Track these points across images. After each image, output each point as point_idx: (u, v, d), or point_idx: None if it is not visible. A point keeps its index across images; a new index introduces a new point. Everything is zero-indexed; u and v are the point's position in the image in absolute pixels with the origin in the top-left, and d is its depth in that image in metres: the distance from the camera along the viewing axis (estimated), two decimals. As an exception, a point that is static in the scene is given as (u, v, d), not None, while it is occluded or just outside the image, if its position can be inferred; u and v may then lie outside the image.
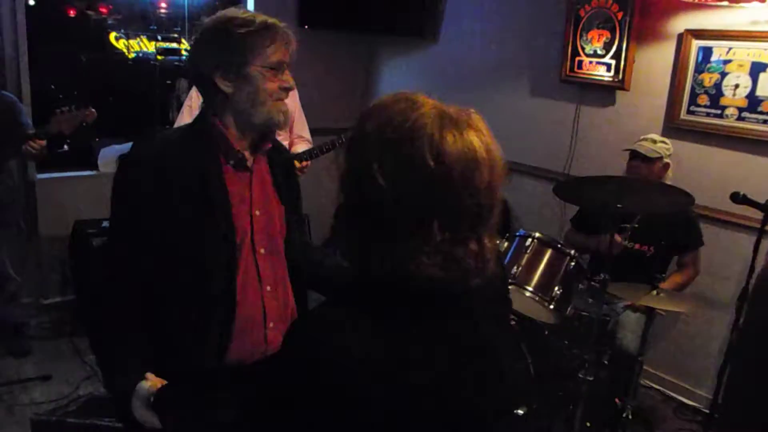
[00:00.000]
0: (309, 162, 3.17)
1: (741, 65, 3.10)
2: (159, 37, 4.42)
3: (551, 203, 3.49)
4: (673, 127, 3.36)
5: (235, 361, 1.52)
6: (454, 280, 0.91)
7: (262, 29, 1.43)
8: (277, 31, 1.45)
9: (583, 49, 3.65)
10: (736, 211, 3.05)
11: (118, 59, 4.37)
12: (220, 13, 1.48)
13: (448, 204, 0.89)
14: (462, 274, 0.92)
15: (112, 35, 4.34)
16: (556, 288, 2.64)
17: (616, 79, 3.54)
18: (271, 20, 1.46)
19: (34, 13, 3.86)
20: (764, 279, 1.88)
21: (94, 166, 4.22)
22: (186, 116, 3.07)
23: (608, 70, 3.56)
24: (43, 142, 2.95)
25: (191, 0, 4.49)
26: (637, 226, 3.02)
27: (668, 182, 2.94)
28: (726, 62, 3.15)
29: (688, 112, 3.31)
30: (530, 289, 2.62)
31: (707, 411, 3.16)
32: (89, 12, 4.27)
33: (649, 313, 2.70)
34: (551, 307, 2.61)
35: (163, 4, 4.46)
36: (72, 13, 4.24)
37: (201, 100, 3.16)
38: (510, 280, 2.63)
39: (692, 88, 3.28)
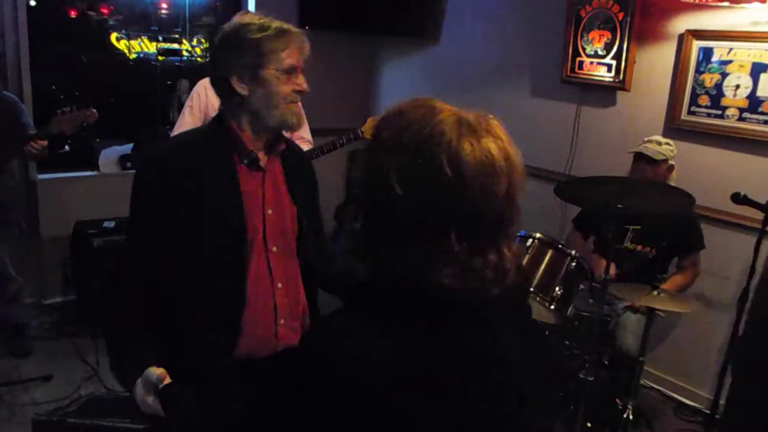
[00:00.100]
0: (310, 162, 3.18)
1: (742, 66, 3.10)
2: (160, 38, 4.43)
3: (552, 204, 3.49)
4: (674, 128, 3.36)
5: (245, 356, 1.55)
6: (471, 290, 0.89)
7: (277, 34, 1.49)
8: (292, 36, 1.51)
9: (583, 49, 3.66)
10: (736, 212, 3.05)
11: (119, 60, 4.37)
12: (238, 19, 1.55)
13: (466, 213, 0.87)
14: (480, 284, 0.89)
15: (113, 36, 4.34)
16: (557, 288, 2.64)
17: (616, 80, 3.54)
18: (286, 26, 1.52)
19: (35, 14, 3.86)
20: (765, 282, 1.89)
21: (95, 166, 4.22)
22: (187, 117, 3.07)
23: (609, 70, 3.56)
24: (45, 143, 2.96)
25: (192, 1, 4.50)
26: (639, 228, 3.03)
27: (672, 184, 2.94)
28: (727, 63, 3.15)
29: (689, 112, 3.31)
30: (531, 289, 2.62)
31: (708, 411, 3.16)
32: (90, 12, 4.27)
33: (650, 313, 2.70)
34: (552, 307, 2.60)
35: (164, 5, 4.47)
36: (73, 14, 4.24)
37: (202, 100, 3.20)
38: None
39: (693, 89, 3.28)
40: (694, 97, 3.28)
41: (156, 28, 4.43)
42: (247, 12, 3.66)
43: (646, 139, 3.03)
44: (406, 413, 0.87)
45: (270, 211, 1.59)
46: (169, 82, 4.48)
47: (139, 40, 4.40)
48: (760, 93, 3.05)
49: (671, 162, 2.98)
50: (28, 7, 3.77)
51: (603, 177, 2.85)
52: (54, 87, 4.26)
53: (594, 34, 3.59)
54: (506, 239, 0.92)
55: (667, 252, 3.09)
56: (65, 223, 3.94)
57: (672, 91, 3.38)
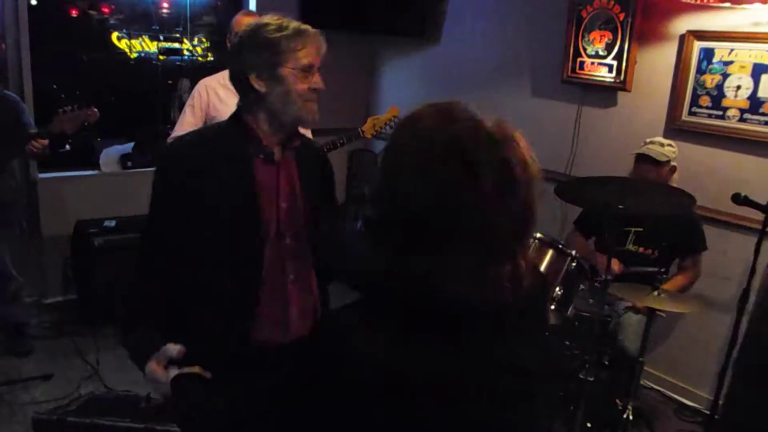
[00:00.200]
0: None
1: (743, 66, 3.10)
2: (161, 37, 4.43)
3: (552, 204, 3.48)
4: (675, 128, 3.36)
5: (258, 345, 1.60)
6: (485, 297, 0.88)
7: (295, 34, 1.54)
8: (309, 35, 1.57)
9: (584, 50, 3.65)
10: (737, 213, 3.05)
11: (120, 59, 4.37)
12: (257, 19, 1.60)
13: (482, 220, 0.86)
14: (493, 293, 0.89)
15: (114, 35, 4.35)
16: (557, 288, 2.64)
17: (617, 80, 3.54)
18: (303, 26, 1.57)
19: (36, 13, 3.86)
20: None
21: (96, 165, 4.23)
22: (188, 116, 3.07)
23: (610, 71, 3.56)
24: (46, 142, 2.96)
25: (193, 0, 4.50)
26: (641, 230, 3.02)
27: (674, 185, 2.94)
28: (728, 63, 3.14)
29: (690, 113, 3.31)
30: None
31: (708, 412, 3.16)
32: (91, 12, 4.28)
33: (650, 314, 2.70)
34: (552, 307, 2.60)
35: (165, 4, 4.47)
36: (74, 13, 4.24)
37: (203, 99, 3.20)
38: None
39: (694, 90, 3.28)
40: (695, 97, 3.28)
41: (157, 28, 4.43)
42: (249, 11, 3.66)
43: (648, 140, 3.03)
44: (414, 417, 0.86)
45: (284, 205, 1.64)
46: (170, 82, 4.48)
47: (140, 39, 4.40)
48: (761, 94, 3.05)
49: (673, 163, 2.98)
50: (29, 6, 3.77)
51: (604, 177, 2.84)
52: (55, 86, 4.26)
53: (595, 34, 3.59)
54: (522, 246, 0.91)
55: (668, 253, 3.09)
56: (66, 222, 3.95)
57: (673, 91, 3.38)
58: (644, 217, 3.02)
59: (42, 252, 3.96)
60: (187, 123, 3.07)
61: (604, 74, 3.59)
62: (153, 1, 4.42)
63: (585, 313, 2.82)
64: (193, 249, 1.57)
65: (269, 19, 1.57)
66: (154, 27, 4.42)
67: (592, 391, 2.61)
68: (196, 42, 4.61)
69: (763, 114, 3.06)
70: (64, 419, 2.44)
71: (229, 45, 3.07)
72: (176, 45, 4.49)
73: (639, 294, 2.67)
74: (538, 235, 2.72)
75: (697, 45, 3.24)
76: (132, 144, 4.37)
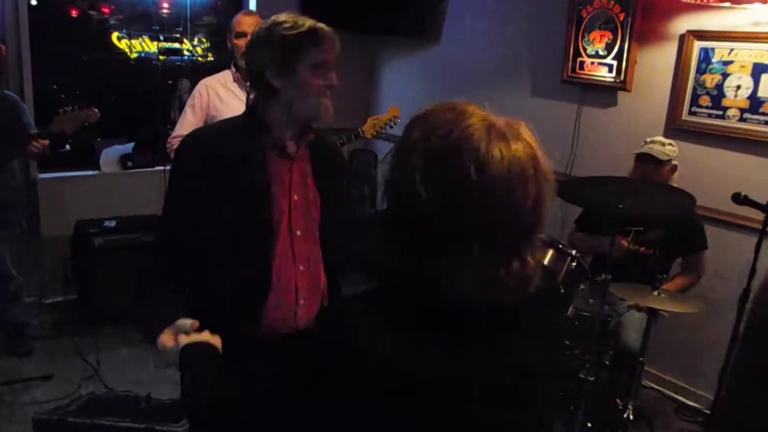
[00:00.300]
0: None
1: (743, 66, 3.10)
2: (161, 37, 4.42)
3: (552, 204, 3.47)
4: (675, 128, 3.36)
5: (267, 332, 1.65)
6: (491, 298, 0.88)
7: (310, 31, 1.60)
8: (324, 33, 1.62)
9: (584, 49, 3.66)
10: (737, 212, 3.05)
11: (120, 59, 4.37)
12: (273, 17, 1.64)
13: (490, 221, 0.86)
14: (500, 293, 0.88)
15: (114, 35, 4.34)
16: (558, 288, 2.64)
17: (617, 80, 3.54)
18: (318, 24, 1.62)
19: (36, 13, 3.86)
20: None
21: (96, 166, 4.23)
22: (189, 116, 3.07)
23: (610, 71, 3.56)
24: (46, 142, 2.96)
25: (193, 0, 4.50)
26: (642, 229, 3.02)
27: (674, 184, 2.94)
28: (728, 63, 3.15)
29: (690, 113, 3.31)
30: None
31: (708, 411, 3.16)
32: (91, 12, 4.27)
33: (651, 313, 2.70)
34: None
35: (165, 5, 4.47)
36: (74, 13, 4.24)
37: (204, 99, 3.21)
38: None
39: (694, 89, 3.28)
40: (695, 97, 3.28)
41: (157, 28, 4.42)
42: (249, 11, 3.66)
43: (648, 139, 3.03)
44: (417, 416, 0.86)
45: (296, 197, 1.68)
46: (170, 82, 4.48)
47: (140, 39, 4.40)
48: (761, 93, 3.05)
49: (675, 162, 2.98)
50: (29, 6, 3.77)
51: (604, 177, 2.85)
52: (55, 86, 4.26)
53: (595, 34, 3.59)
54: (530, 247, 0.90)
55: (669, 253, 3.09)
56: (66, 222, 3.95)
57: (673, 91, 3.38)
58: (645, 217, 3.02)
59: (42, 252, 3.96)
60: (187, 123, 3.07)
61: (604, 74, 3.60)
62: (153, 1, 4.41)
63: (585, 313, 2.82)
64: (204, 236, 1.62)
65: (285, 17, 1.62)
66: (154, 27, 4.42)
67: (592, 391, 2.62)
68: (196, 42, 4.61)
69: (763, 114, 3.06)
70: (64, 419, 2.44)
71: (229, 45, 3.08)
72: (176, 45, 4.49)
73: (639, 294, 2.67)
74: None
75: (697, 45, 3.24)
76: (132, 144, 4.37)
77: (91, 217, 3.95)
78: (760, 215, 2.54)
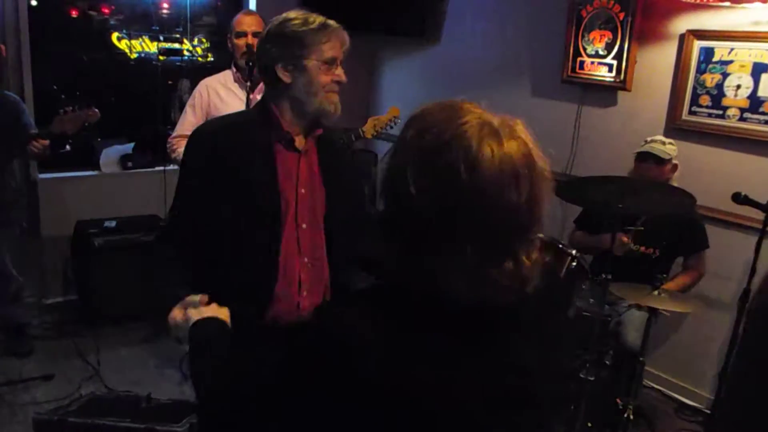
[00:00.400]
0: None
1: (743, 66, 3.10)
2: (161, 38, 4.43)
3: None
4: (675, 128, 3.36)
5: (271, 321, 1.68)
6: (486, 298, 0.87)
7: (320, 28, 1.63)
8: (334, 30, 1.66)
9: (584, 49, 3.65)
10: (737, 212, 3.04)
11: (120, 59, 4.37)
12: (285, 14, 1.68)
13: (481, 220, 0.85)
14: (495, 293, 0.88)
15: (114, 35, 4.34)
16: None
17: (617, 80, 3.54)
18: (328, 21, 1.66)
19: (36, 14, 3.86)
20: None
21: (96, 166, 4.23)
22: (190, 116, 3.08)
23: (610, 70, 3.56)
24: (47, 142, 2.96)
25: (193, 0, 4.50)
26: (642, 228, 3.02)
27: (674, 184, 2.94)
28: (728, 63, 3.14)
29: (690, 112, 3.31)
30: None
31: (708, 411, 3.16)
32: (91, 12, 4.28)
33: (652, 313, 2.70)
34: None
35: (165, 5, 4.47)
36: (74, 14, 4.24)
37: (204, 99, 3.21)
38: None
39: (694, 89, 3.28)
40: (695, 97, 3.28)
41: (157, 28, 4.43)
42: (249, 11, 3.66)
43: (649, 139, 3.03)
44: (412, 416, 0.86)
45: (303, 191, 1.71)
46: (170, 82, 4.48)
47: (140, 39, 4.40)
48: (761, 93, 3.05)
49: (675, 161, 2.99)
50: (29, 6, 3.77)
51: (604, 177, 2.85)
52: (55, 87, 4.26)
53: (595, 34, 3.59)
54: (525, 246, 0.90)
55: (670, 252, 3.09)
56: (66, 222, 3.95)
57: (673, 91, 3.38)
58: (644, 216, 3.02)
59: (42, 252, 3.96)
60: (188, 123, 3.08)
61: (604, 74, 3.60)
62: (153, 2, 4.42)
63: (586, 313, 2.82)
64: (212, 226, 1.65)
65: (295, 14, 1.66)
66: (154, 27, 4.42)
67: (592, 391, 2.61)
68: (196, 42, 4.61)
69: (763, 113, 3.05)
70: (64, 420, 2.44)
71: (229, 45, 3.08)
72: (176, 45, 4.49)
73: (640, 293, 2.67)
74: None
75: (697, 44, 3.24)
76: (132, 144, 4.37)
77: (91, 217, 3.95)
78: (760, 215, 2.54)
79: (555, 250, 2.70)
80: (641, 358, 2.77)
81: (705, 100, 3.25)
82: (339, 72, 1.68)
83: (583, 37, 3.65)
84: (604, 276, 2.57)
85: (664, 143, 2.98)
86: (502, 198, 0.85)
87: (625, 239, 2.91)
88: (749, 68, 3.08)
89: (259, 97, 2.90)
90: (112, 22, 4.35)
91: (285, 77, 1.64)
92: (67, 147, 3.97)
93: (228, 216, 1.65)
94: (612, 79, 3.56)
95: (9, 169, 3.35)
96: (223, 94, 3.07)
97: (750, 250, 2.54)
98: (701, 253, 3.10)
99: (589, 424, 2.72)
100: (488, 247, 0.87)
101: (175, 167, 3.47)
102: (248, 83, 2.84)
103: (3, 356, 3.44)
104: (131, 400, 2.74)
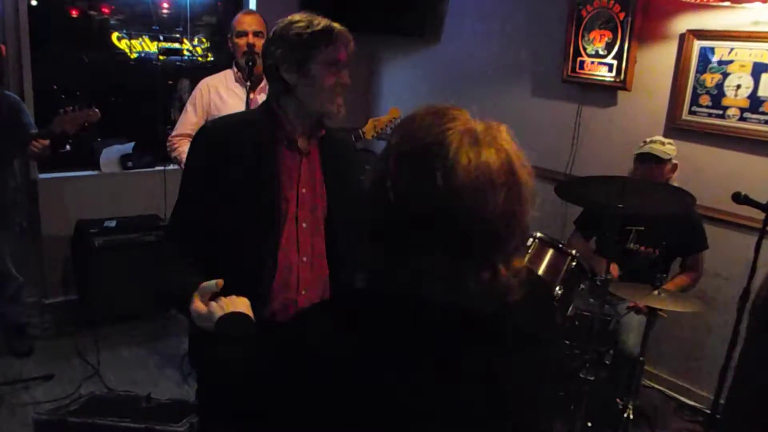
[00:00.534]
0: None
1: (743, 66, 3.10)
2: (161, 38, 4.43)
3: (552, 203, 3.49)
4: (675, 128, 3.36)
5: (269, 318, 1.69)
6: (460, 307, 0.86)
7: (324, 30, 1.65)
8: (338, 33, 1.67)
9: (584, 49, 3.65)
10: (737, 212, 3.04)
11: (121, 59, 4.37)
12: (289, 16, 1.69)
13: (456, 228, 0.84)
14: (470, 302, 0.86)
15: (115, 35, 4.35)
16: (558, 288, 2.64)
17: (617, 80, 3.54)
18: (333, 23, 1.67)
19: (36, 13, 3.86)
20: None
21: (96, 166, 4.23)
22: (191, 115, 3.08)
23: (610, 70, 3.56)
24: (47, 142, 2.96)
25: (193, 0, 4.50)
26: (642, 228, 3.02)
27: (674, 184, 2.95)
28: (728, 63, 3.15)
29: (690, 112, 3.31)
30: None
31: (708, 411, 3.16)
32: (91, 12, 4.28)
33: (651, 314, 2.70)
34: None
35: (165, 5, 4.47)
36: (74, 14, 4.24)
37: (204, 98, 3.22)
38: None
39: (694, 89, 3.28)
40: (695, 97, 3.28)
41: (157, 28, 4.43)
42: (249, 10, 3.66)
43: (648, 139, 3.03)
44: (373, 421, 0.86)
45: (304, 191, 1.73)
46: (170, 82, 4.49)
47: (141, 39, 4.40)
48: (761, 93, 3.05)
49: (675, 161, 2.99)
50: (29, 6, 3.77)
51: (604, 177, 2.84)
52: (55, 86, 4.26)
53: (595, 33, 3.59)
54: (503, 256, 0.88)
55: (670, 252, 3.09)
56: (66, 222, 3.95)
57: (673, 90, 3.38)
58: (645, 216, 3.02)
59: (42, 252, 3.96)
60: (188, 121, 3.08)
61: (604, 74, 3.60)
62: (153, 1, 4.42)
63: (585, 313, 2.82)
64: (214, 224, 1.67)
65: (300, 16, 1.68)
66: (154, 27, 4.42)
67: (592, 391, 2.62)
68: (196, 42, 4.61)
69: (763, 113, 3.06)
70: (64, 419, 2.44)
71: (230, 45, 3.08)
72: (176, 45, 4.49)
73: (639, 293, 2.67)
74: (538, 234, 2.72)
75: (697, 44, 3.24)
76: (132, 144, 4.37)
77: (91, 217, 3.95)
78: (760, 215, 2.53)
79: (555, 249, 2.70)
80: (641, 358, 2.77)
81: (705, 100, 3.25)
82: (343, 74, 1.70)
83: (583, 36, 3.65)
84: (604, 276, 2.58)
85: (663, 143, 2.98)
86: (478, 207, 0.84)
87: (614, 272, 2.91)
88: (749, 68, 3.08)
89: (259, 96, 2.92)
90: (112, 22, 4.35)
91: (289, 79, 1.66)
92: (67, 147, 3.97)
93: (228, 213, 1.66)
94: (612, 79, 3.56)
95: (9, 169, 3.35)
96: (223, 94, 3.07)
97: (750, 250, 2.53)
98: (700, 254, 3.10)
99: (590, 424, 2.72)
100: (463, 256, 0.85)
101: (175, 167, 3.47)
102: (248, 83, 2.84)
103: (3, 356, 3.44)
104: (131, 399, 2.75)
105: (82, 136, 3.32)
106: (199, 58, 4.64)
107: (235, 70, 3.08)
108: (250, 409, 1.03)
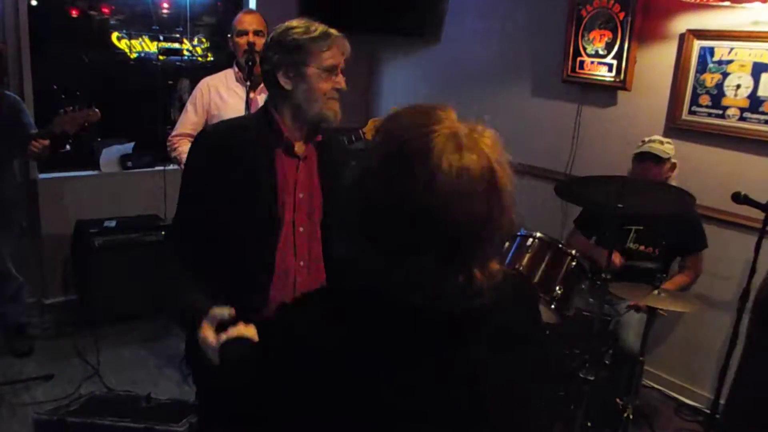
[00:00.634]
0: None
1: (742, 65, 3.10)
2: (161, 38, 4.43)
3: (552, 203, 3.49)
4: (675, 128, 3.36)
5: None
6: (437, 308, 0.86)
7: (321, 36, 1.66)
8: (335, 38, 1.68)
9: (584, 49, 3.66)
10: (737, 212, 3.05)
11: (120, 59, 4.37)
12: (287, 22, 1.71)
13: (434, 232, 0.84)
14: (446, 304, 0.86)
15: (114, 35, 4.35)
16: (557, 288, 2.64)
17: (617, 80, 3.54)
18: (329, 29, 1.69)
19: (36, 13, 3.86)
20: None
21: (96, 166, 4.23)
22: (191, 114, 3.08)
23: (610, 70, 3.56)
24: (47, 142, 2.96)
25: (193, 0, 4.50)
26: (642, 228, 3.02)
27: (673, 182, 2.95)
28: (728, 62, 3.15)
29: (690, 112, 3.31)
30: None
31: (708, 411, 3.16)
32: (91, 12, 4.28)
33: (651, 313, 2.70)
34: (552, 306, 2.61)
35: (165, 5, 4.47)
36: (74, 13, 4.24)
37: (205, 98, 3.22)
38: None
39: (694, 89, 3.28)
40: (695, 96, 3.28)
41: (157, 28, 4.43)
42: (250, 10, 3.66)
43: (647, 139, 3.04)
44: (352, 414, 0.87)
45: (301, 195, 1.74)
46: (170, 82, 4.49)
47: (140, 39, 4.40)
48: (761, 93, 3.05)
49: (674, 160, 2.99)
50: (29, 6, 3.77)
51: (603, 176, 2.85)
52: (55, 86, 4.26)
53: (595, 33, 3.59)
54: (480, 260, 0.88)
55: (669, 252, 3.09)
56: (66, 222, 3.95)
57: (673, 90, 3.38)
58: (645, 216, 3.02)
59: (42, 252, 3.96)
60: (188, 121, 3.08)
61: (604, 73, 3.60)
62: (153, 1, 4.42)
63: (585, 312, 2.82)
64: (212, 229, 1.67)
65: (297, 22, 1.69)
66: (154, 27, 4.42)
67: (592, 391, 2.61)
68: (196, 42, 4.61)
69: (763, 113, 3.06)
70: (64, 419, 2.44)
71: (230, 44, 3.08)
72: (176, 45, 4.49)
73: (639, 293, 2.67)
74: (538, 234, 2.72)
75: (697, 44, 3.24)
76: (132, 144, 4.37)
77: (91, 217, 3.95)
78: (759, 215, 2.53)
79: (555, 249, 2.70)
80: (641, 358, 2.77)
81: (705, 99, 3.25)
82: (339, 80, 1.71)
83: (583, 36, 3.65)
84: (604, 276, 2.58)
85: (662, 143, 2.98)
86: (456, 212, 0.83)
87: (617, 260, 2.92)
88: (749, 68, 3.08)
89: (259, 96, 2.92)
90: (112, 22, 4.35)
91: (286, 84, 1.67)
92: (67, 147, 3.97)
93: (226, 217, 1.67)
94: (612, 79, 3.56)
95: (9, 169, 3.35)
96: (224, 93, 3.07)
97: (750, 250, 2.54)
98: (699, 254, 3.10)
99: (589, 424, 2.72)
100: (440, 259, 0.85)
101: (175, 167, 3.47)
102: (248, 82, 2.84)
103: (3, 356, 3.44)
104: (131, 399, 2.75)
105: (82, 136, 3.31)
106: (199, 58, 4.64)
107: (236, 69, 3.08)
108: (247, 411, 1.03)
